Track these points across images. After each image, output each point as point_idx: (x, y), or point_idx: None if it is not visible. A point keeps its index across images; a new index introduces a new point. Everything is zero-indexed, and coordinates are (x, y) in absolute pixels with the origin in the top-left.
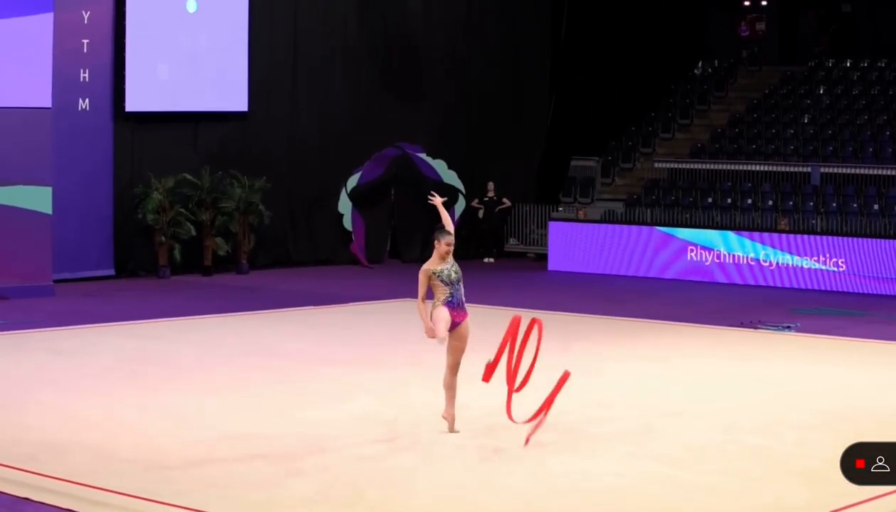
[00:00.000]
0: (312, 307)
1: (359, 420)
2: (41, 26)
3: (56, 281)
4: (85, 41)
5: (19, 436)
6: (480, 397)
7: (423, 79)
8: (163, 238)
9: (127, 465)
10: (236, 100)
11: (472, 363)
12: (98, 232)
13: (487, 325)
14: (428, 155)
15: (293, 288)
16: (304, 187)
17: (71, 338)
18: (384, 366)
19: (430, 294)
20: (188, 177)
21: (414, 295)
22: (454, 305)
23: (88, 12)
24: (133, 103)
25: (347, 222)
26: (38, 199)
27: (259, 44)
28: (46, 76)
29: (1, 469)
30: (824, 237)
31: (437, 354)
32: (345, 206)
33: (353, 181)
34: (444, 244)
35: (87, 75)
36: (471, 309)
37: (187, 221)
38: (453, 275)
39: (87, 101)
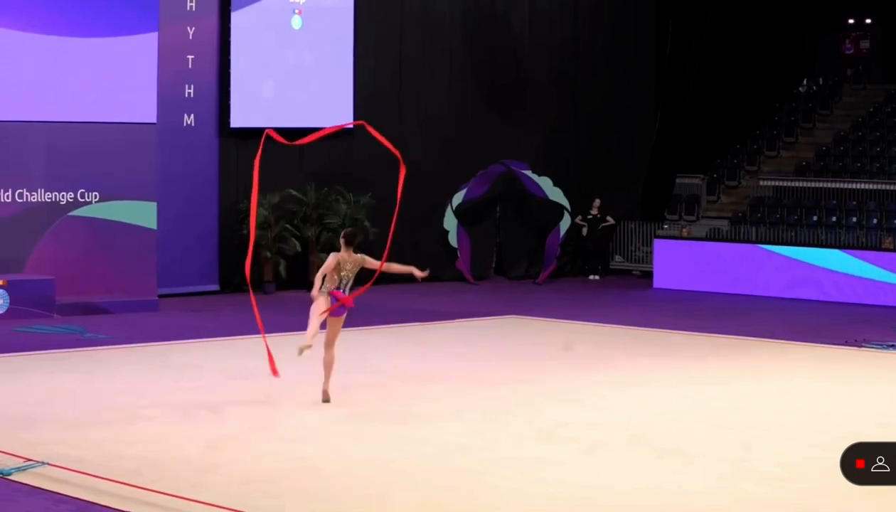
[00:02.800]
0: (417, 324)
1: (461, 437)
2: (147, 44)
3: (161, 296)
4: (190, 57)
5: (122, 450)
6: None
7: (529, 96)
8: (268, 254)
9: (227, 479)
10: (342, 116)
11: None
12: (203, 247)
13: (597, 343)
14: (533, 172)
15: (398, 305)
16: (410, 204)
17: (176, 353)
18: (488, 383)
19: None
20: (294, 193)
21: (518, 311)
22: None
23: (193, 28)
24: (238, 119)
25: (453, 239)
26: (143, 214)
27: (364, 60)
28: (152, 92)
29: (104, 483)
30: None
31: (543, 371)
32: (450, 222)
33: (458, 198)
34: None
35: (192, 91)
36: (576, 326)
37: (292, 237)
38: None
39: (192, 117)
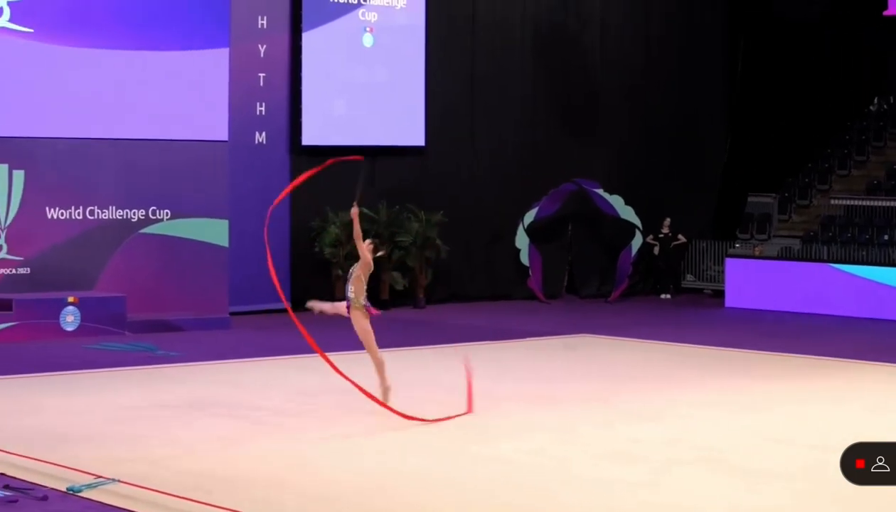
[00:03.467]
0: (489, 342)
1: (532, 456)
2: (218, 60)
3: (232, 313)
4: (262, 75)
5: (192, 467)
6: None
7: (600, 115)
8: (339, 272)
9: (296, 496)
10: (413, 134)
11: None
12: (275, 265)
13: (668, 362)
14: (605, 191)
15: (470, 323)
16: (481, 222)
17: (247, 371)
18: (560, 402)
19: None
20: (365, 211)
21: (589, 330)
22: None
23: (265, 46)
24: (309, 137)
25: (525, 257)
26: (215, 231)
27: (436, 78)
28: (223, 109)
29: (174, 500)
30: None
31: (614, 390)
32: (522, 241)
33: (530, 216)
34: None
35: (263, 109)
36: (647, 345)
37: None
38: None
39: (263, 134)
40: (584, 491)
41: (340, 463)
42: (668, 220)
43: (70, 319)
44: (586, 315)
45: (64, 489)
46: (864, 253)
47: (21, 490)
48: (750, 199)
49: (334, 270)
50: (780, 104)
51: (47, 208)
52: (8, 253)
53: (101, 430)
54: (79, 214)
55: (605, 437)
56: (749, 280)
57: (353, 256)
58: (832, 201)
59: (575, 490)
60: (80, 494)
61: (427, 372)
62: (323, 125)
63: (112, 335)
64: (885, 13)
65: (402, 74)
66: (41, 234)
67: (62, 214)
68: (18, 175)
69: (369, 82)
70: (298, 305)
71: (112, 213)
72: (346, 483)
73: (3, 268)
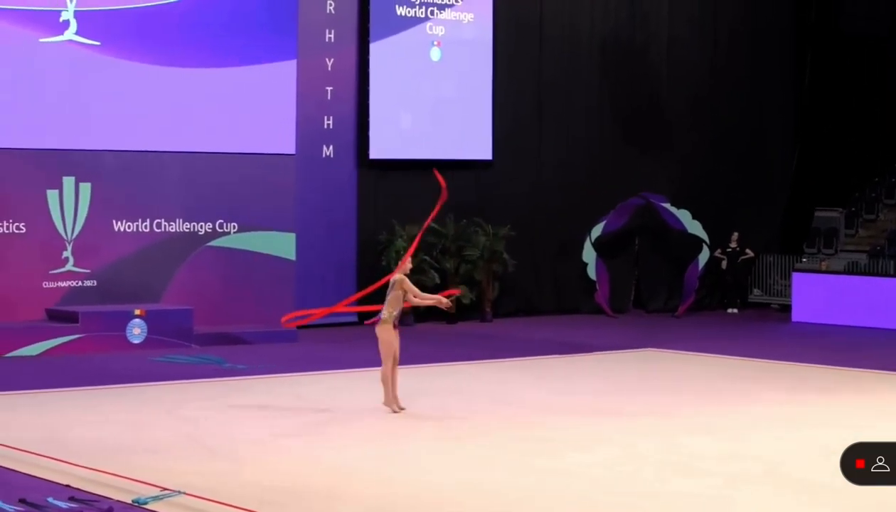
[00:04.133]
0: (556, 356)
1: (597, 469)
2: (285, 73)
3: (299, 326)
4: (329, 88)
5: (257, 479)
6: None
7: (667, 129)
8: None
9: (360, 509)
10: (480, 148)
11: None
12: (341, 278)
13: (735, 376)
14: (672, 205)
15: (536, 337)
16: (548, 236)
17: (314, 383)
18: (625, 416)
19: None
20: (432, 224)
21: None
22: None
23: (332, 60)
24: (377, 151)
25: (592, 271)
26: (282, 244)
27: (503, 92)
28: (291, 123)
29: None
30: None
31: (681, 404)
32: (589, 255)
33: (597, 230)
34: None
35: (331, 122)
36: (714, 359)
37: (431, 269)
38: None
39: (331, 148)
40: (652, 504)
41: (406, 476)
42: (736, 235)
43: (137, 331)
44: (653, 329)
45: (129, 501)
46: None
47: (86, 502)
48: (817, 213)
49: None
50: (848, 118)
51: (114, 221)
52: (75, 265)
53: (166, 442)
54: (146, 227)
55: (671, 450)
56: (815, 294)
57: (421, 271)
58: None
59: (642, 503)
60: (145, 507)
61: (492, 386)
62: (390, 139)
63: (179, 348)
64: None
65: (470, 88)
66: (108, 246)
67: (129, 227)
68: (85, 188)
69: (436, 96)
70: (365, 318)
71: (179, 225)
72: (411, 496)
73: (70, 280)
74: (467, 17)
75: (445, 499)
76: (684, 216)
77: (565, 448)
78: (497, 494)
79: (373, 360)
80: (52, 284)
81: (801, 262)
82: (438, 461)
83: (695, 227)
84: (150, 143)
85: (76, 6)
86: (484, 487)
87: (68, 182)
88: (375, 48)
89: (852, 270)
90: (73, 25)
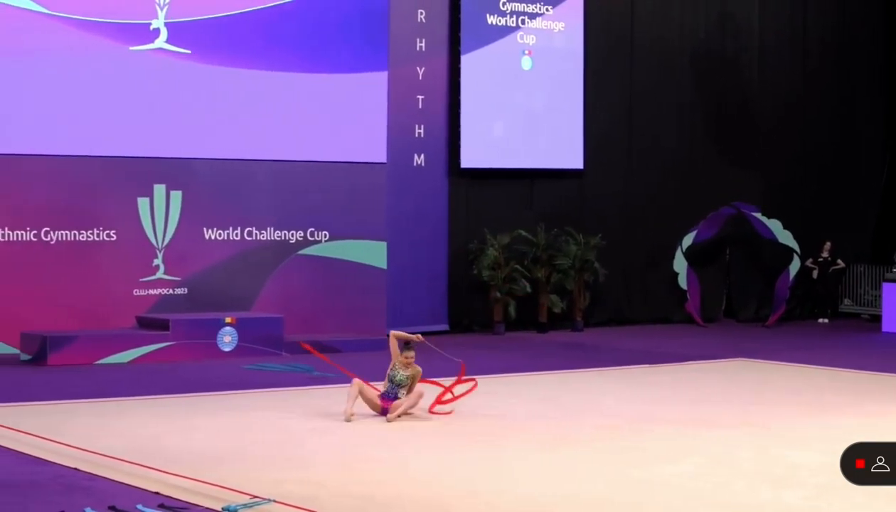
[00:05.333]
0: (646, 366)
1: (689, 480)
2: (377, 82)
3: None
4: (420, 97)
5: (349, 489)
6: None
7: (758, 138)
8: (498, 294)
9: None
10: (571, 157)
11: None
12: (433, 287)
13: (825, 387)
14: (763, 214)
15: (627, 346)
16: (639, 245)
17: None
18: (716, 426)
19: None
20: (523, 233)
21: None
22: (386, 397)
23: (423, 68)
24: (468, 160)
25: (683, 281)
26: (373, 253)
27: (594, 101)
28: (382, 132)
29: None
30: None
31: (771, 415)
32: (680, 264)
33: (688, 240)
34: (403, 357)
35: (422, 131)
36: (804, 369)
37: (522, 278)
38: (400, 377)
39: (422, 156)
40: None
41: (498, 486)
42: (828, 245)
43: (227, 339)
44: (744, 339)
45: (219, 509)
46: None
47: (176, 509)
48: None
49: (492, 292)
50: None
51: (205, 229)
52: (165, 273)
53: (257, 450)
54: (236, 235)
55: (762, 461)
56: None
57: (512, 279)
58: None
59: None
60: None
61: (583, 395)
62: (481, 148)
63: (269, 356)
64: None
65: (561, 97)
66: (198, 254)
67: (220, 235)
68: (176, 195)
69: (528, 105)
70: (456, 327)
71: (270, 234)
72: (505, 507)
73: (161, 288)
74: (558, 26)
75: (538, 508)
76: (775, 226)
77: (656, 458)
78: (591, 504)
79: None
80: (142, 292)
81: (891, 272)
82: (530, 472)
83: (786, 237)
84: (241, 152)
85: (166, 15)
86: (580, 497)
87: (159, 190)
88: (466, 57)
89: None
90: (164, 34)
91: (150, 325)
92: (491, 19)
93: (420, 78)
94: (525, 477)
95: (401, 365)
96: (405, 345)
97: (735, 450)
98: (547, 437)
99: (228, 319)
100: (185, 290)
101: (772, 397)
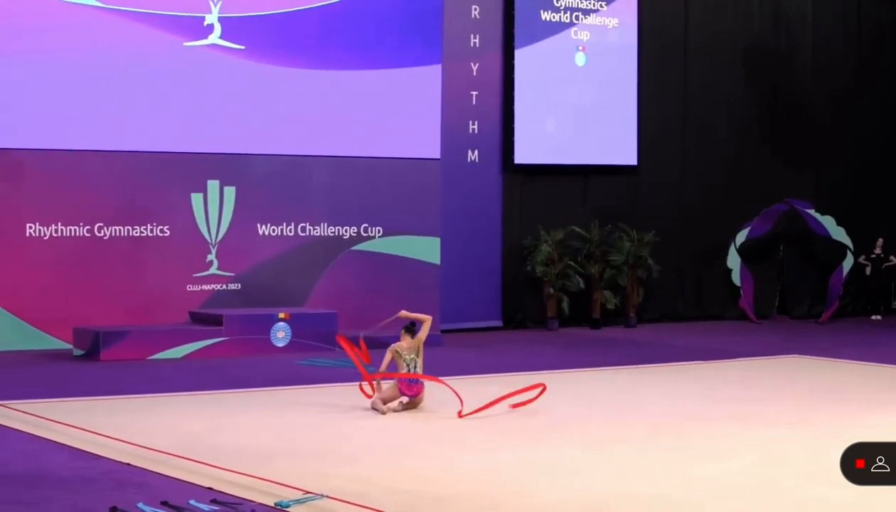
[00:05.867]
0: (699, 362)
1: (741, 477)
2: (431, 78)
3: (443, 331)
4: (474, 93)
5: (401, 485)
6: None
7: (811, 135)
8: (551, 290)
9: None
10: (625, 153)
11: None
12: (486, 283)
13: (878, 384)
14: (817, 211)
15: (680, 342)
16: (692, 241)
17: (460, 389)
18: (768, 423)
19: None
20: (577, 229)
21: (800, 351)
22: (409, 384)
23: (477, 64)
24: (522, 156)
25: (736, 277)
26: (426, 249)
27: (648, 98)
28: (436, 127)
29: None
30: None
31: (824, 412)
32: (733, 261)
33: (741, 236)
34: (404, 343)
35: (476, 127)
36: (857, 366)
37: (576, 274)
38: (410, 358)
39: (475, 152)
40: None
41: (549, 483)
42: (880, 241)
43: (281, 334)
44: (797, 336)
45: (272, 504)
46: None
47: (228, 505)
48: None
49: (546, 288)
50: None
51: (258, 225)
52: (219, 269)
53: (310, 445)
54: (290, 231)
55: (815, 458)
56: None
57: (565, 276)
58: None
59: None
60: (287, 510)
61: (636, 391)
62: (535, 144)
63: (323, 351)
64: None
65: (615, 93)
66: (252, 250)
67: (273, 231)
68: (230, 191)
69: (581, 101)
70: (509, 323)
71: (323, 230)
72: (559, 504)
73: (215, 283)
74: (612, 22)
75: (594, 504)
76: (828, 222)
77: (709, 456)
78: (642, 499)
79: (518, 364)
80: (195, 288)
81: None
82: (582, 468)
83: (839, 234)
84: (294, 147)
85: (220, 11)
86: (630, 495)
87: (213, 186)
88: (520, 53)
89: None
90: (218, 30)
91: (204, 320)
92: (545, 15)
93: (474, 74)
94: (577, 474)
95: (405, 351)
96: (406, 330)
97: (788, 447)
98: (599, 434)
99: (282, 315)
100: (239, 285)
101: (825, 394)
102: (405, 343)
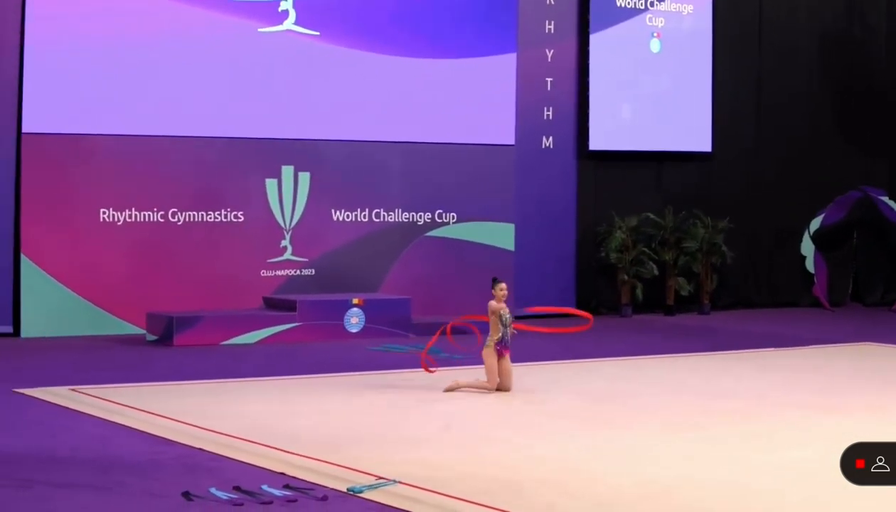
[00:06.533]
0: (773, 349)
1: (814, 464)
2: (506, 66)
3: (517, 317)
4: (549, 79)
5: (475, 470)
6: None
7: (885, 121)
8: (625, 277)
9: (581, 503)
10: (700, 140)
11: None
12: (560, 269)
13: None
14: (891, 198)
15: (754, 329)
16: (766, 229)
17: (533, 375)
18: (841, 411)
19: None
20: (651, 216)
21: (873, 338)
22: (503, 344)
23: (552, 51)
24: (596, 142)
25: (810, 265)
26: (501, 235)
27: (722, 84)
28: (510, 114)
29: (457, 502)
30: None
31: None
32: (807, 248)
33: (815, 223)
34: (500, 289)
35: (550, 113)
36: None
37: (650, 261)
38: (508, 317)
39: (550, 139)
40: (865, 501)
41: (623, 469)
42: None
43: (354, 320)
44: (871, 323)
45: (344, 490)
46: None
47: (301, 490)
48: None
49: (620, 274)
50: None
51: (332, 210)
52: (293, 254)
53: (382, 431)
54: (364, 217)
55: None
56: None
57: (639, 262)
58: None
59: (854, 500)
60: (360, 495)
61: (709, 378)
62: (610, 130)
63: (396, 337)
64: None
65: (689, 80)
66: (326, 236)
67: (347, 217)
68: (304, 177)
69: (656, 87)
70: (584, 308)
71: (398, 216)
72: (629, 489)
73: (289, 269)
74: (687, 8)
75: (663, 492)
76: None
77: (781, 443)
78: (713, 488)
79: (590, 351)
80: (269, 273)
81: None
82: (655, 455)
83: None
84: (369, 133)
85: None
86: (701, 481)
87: (287, 171)
88: (595, 39)
89: None
90: (292, 15)
91: (277, 306)
92: (620, 1)
93: (549, 60)
94: (649, 460)
95: (500, 300)
96: (494, 282)
97: (861, 435)
98: (672, 420)
99: (356, 301)
100: (313, 271)
101: None
102: (497, 299)
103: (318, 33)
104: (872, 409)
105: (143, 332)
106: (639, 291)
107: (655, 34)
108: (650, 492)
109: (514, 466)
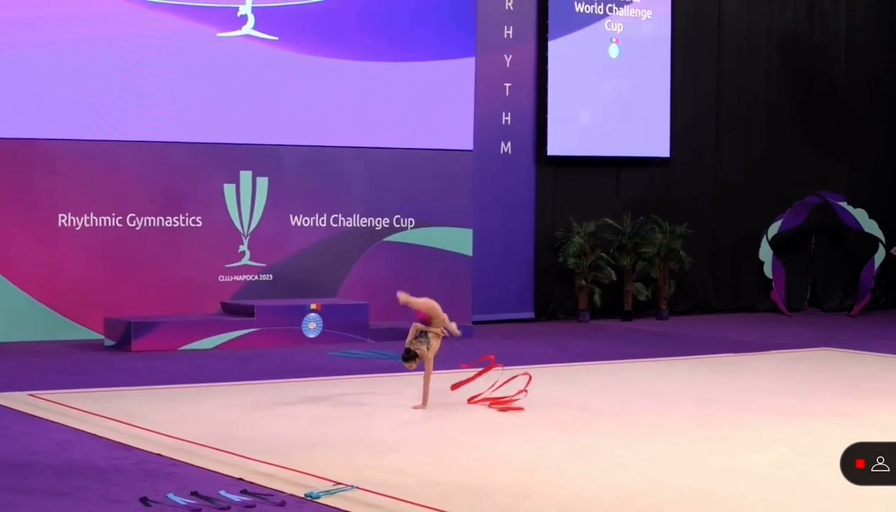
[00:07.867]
0: (731, 355)
1: (775, 469)
2: (464, 69)
3: (475, 322)
4: (507, 85)
5: (436, 477)
6: None
7: (844, 127)
8: (583, 282)
9: (543, 507)
10: (658, 145)
11: None
12: (519, 275)
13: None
14: (849, 203)
15: (712, 334)
16: (725, 234)
17: (488, 379)
18: (802, 416)
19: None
20: (609, 221)
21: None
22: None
23: (510, 56)
24: (555, 147)
25: (768, 270)
26: (459, 240)
27: (681, 90)
28: (468, 119)
29: (416, 508)
30: None
31: (857, 405)
32: (765, 253)
33: (773, 229)
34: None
35: (509, 118)
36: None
37: (608, 266)
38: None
39: (508, 144)
40: (830, 504)
41: (585, 474)
42: None
43: (312, 325)
44: (829, 328)
45: (302, 495)
46: None
47: (259, 495)
48: None
49: (578, 279)
50: None
51: (291, 215)
52: (251, 259)
53: (341, 436)
54: (322, 222)
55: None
56: None
57: (597, 267)
58: None
59: (818, 504)
60: (318, 501)
61: (667, 383)
62: (568, 135)
63: (354, 343)
64: None
65: (648, 85)
66: (285, 241)
67: (306, 222)
68: (262, 182)
69: (615, 93)
70: (541, 314)
71: (356, 221)
72: (591, 495)
73: (247, 274)
74: (646, 13)
75: (626, 496)
76: (861, 215)
77: (742, 447)
78: (676, 493)
79: (551, 356)
80: (227, 278)
81: None
82: (617, 460)
83: (871, 227)
84: (327, 138)
85: (254, 1)
86: (664, 486)
87: (245, 176)
88: (554, 45)
89: None
90: (251, 20)
91: (235, 311)
92: (579, 7)
93: (507, 65)
94: (611, 465)
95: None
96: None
97: (821, 440)
98: (633, 425)
99: (314, 306)
100: (271, 276)
101: (858, 387)
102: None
103: (276, 38)
104: (832, 413)
105: (101, 337)
106: (597, 297)
107: (614, 39)
108: (614, 497)
109: (475, 471)
